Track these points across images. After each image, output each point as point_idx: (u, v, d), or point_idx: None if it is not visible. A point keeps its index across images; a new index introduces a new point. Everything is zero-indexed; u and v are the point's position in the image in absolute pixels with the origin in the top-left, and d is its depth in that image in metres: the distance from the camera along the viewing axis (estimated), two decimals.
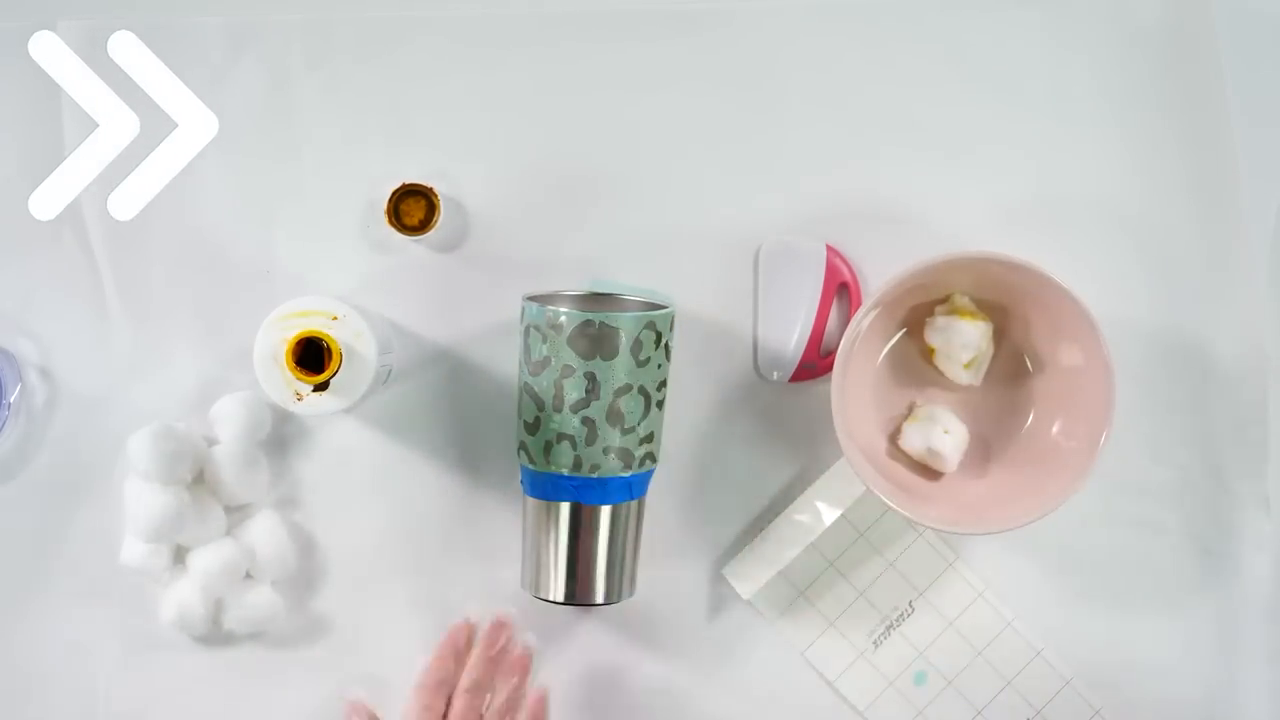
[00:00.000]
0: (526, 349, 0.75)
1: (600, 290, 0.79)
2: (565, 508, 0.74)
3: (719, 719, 0.82)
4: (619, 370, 0.73)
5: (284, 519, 0.80)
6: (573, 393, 0.72)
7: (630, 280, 0.81)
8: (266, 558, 0.79)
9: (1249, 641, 0.83)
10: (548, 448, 0.73)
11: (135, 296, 0.82)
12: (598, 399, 0.72)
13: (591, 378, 0.72)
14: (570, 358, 0.72)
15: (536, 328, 0.74)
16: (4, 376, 0.80)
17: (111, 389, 0.81)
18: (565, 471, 0.73)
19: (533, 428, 0.74)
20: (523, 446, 0.75)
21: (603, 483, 0.74)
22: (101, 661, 0.81)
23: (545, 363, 0.73)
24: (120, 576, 0.80)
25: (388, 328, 0.79)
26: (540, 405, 0.73)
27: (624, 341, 0.73)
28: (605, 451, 0.73)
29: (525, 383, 0.75)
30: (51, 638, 0.81)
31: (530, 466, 0.75)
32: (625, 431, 0.74)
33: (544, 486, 0.75)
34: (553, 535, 0.75)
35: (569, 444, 0.73)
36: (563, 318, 0.72)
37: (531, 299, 0.75)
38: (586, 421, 0.73)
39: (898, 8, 0.83)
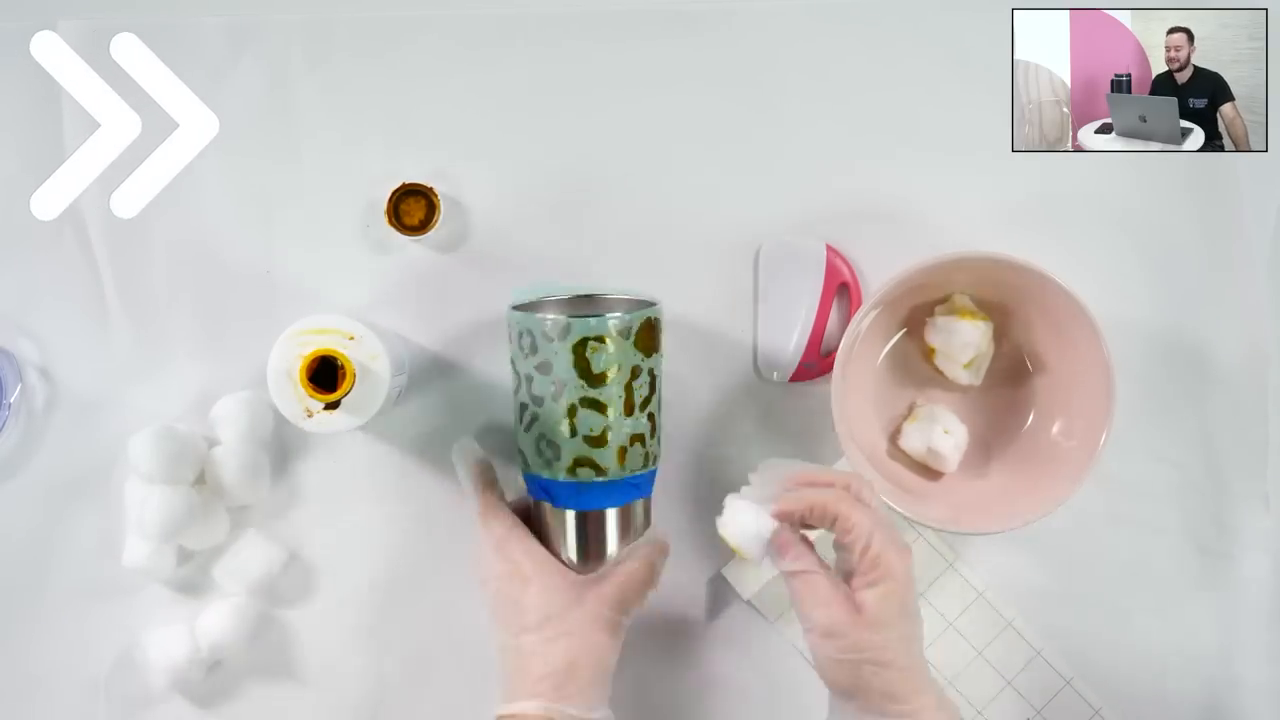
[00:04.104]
0: (548, 365, 0.71)
1: (584, 292, 0.79)
2: (573, 515, 0.73)
3: (719, 719, 0.83)
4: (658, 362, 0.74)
5: (243, 605, 0.80)
6: (641, 391, 0.72)
7: (631, 281, 0.81)
8: (220, 642, 0.79)
9: (1249, 641, 0.83)
10: (609, 456, 0.72)
11: (135, 296, 0.82)
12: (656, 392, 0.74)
13: (651, 374, 0.73)
14: (633, 358, 0.71)
15: (589, 339, 0.70)
16: (4, 376, 0.80)
17: (112, 389, 0.81)
18: (590, 478, 0.72)
19: (595, 440, 0.72)
20: (576, 465, 0.72)
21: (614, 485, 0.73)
22: (101, 661, 0.81)
23: (604, 374, 0.71)
24: (120, 577, 0.80)
25: (401, 347, 0.80)
26: (603, 410, 0.71)
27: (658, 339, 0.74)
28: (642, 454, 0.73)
29: (572, 403, 0.71)
30: (51, 638, 0.81)
31: (556, 478, 0.72)
32: (654, 430, 0.74)
33: (562, 494, 0.73)
34: (566, 542, 0.73)
35: (639, 444, 0.73)
36: (611, 323, 0.70)
37: (547, 316, 0.71)
38: (651, 417, 0.73)
39: (898, 8, 0.83)
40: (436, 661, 0.82)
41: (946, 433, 0.79)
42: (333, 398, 0.71)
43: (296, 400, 0.72)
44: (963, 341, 0.78)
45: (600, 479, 0.72)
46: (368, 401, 0.73)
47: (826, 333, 0.82)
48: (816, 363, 0.82)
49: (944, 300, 0.80)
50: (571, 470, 0.72)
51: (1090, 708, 0.82)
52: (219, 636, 0.79)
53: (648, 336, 0.72)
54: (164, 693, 0.80)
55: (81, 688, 0.81)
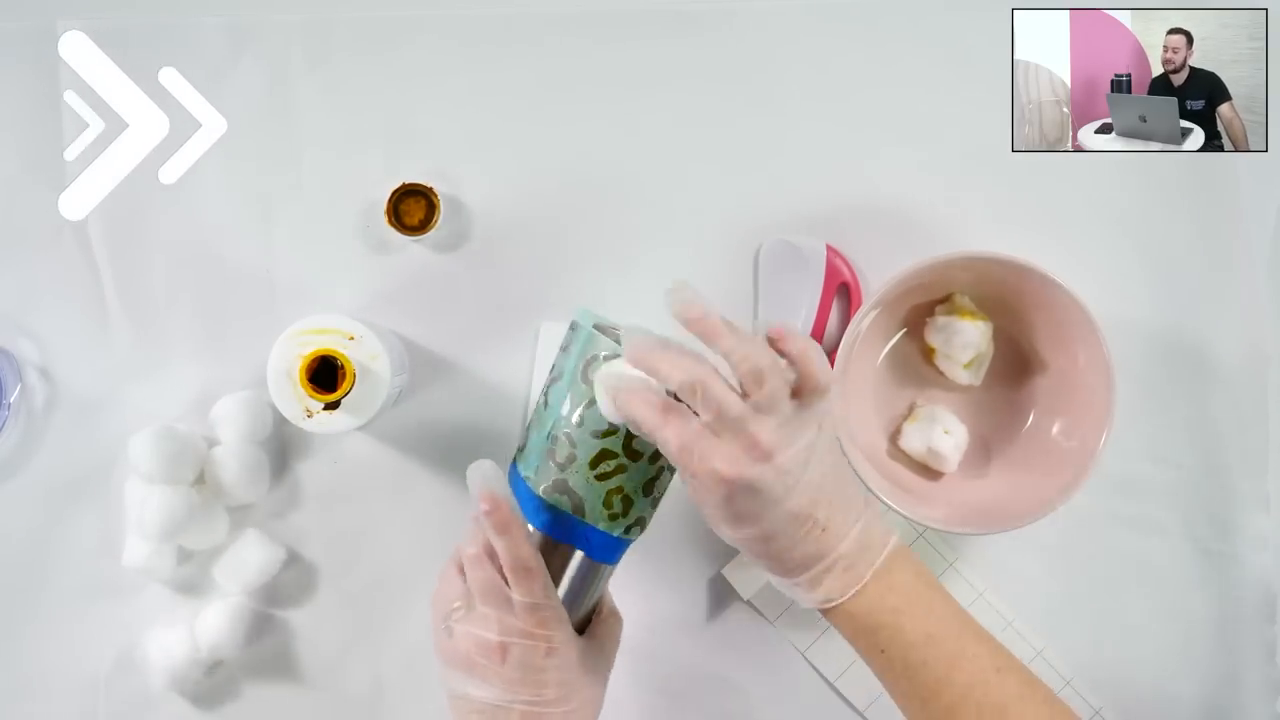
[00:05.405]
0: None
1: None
2: (609, 570, 0.70)
3: (719, 719, 0.82)
4: None
5: (243, 605, 0.80)
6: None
7: (631, 281, 0.82)
8: (220, 642, 0.79)
9: (1249, 641, 0.83)
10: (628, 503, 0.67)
11: (135, 296, 0.82)
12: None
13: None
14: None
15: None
16: (4, 376, 0.80)
17: (111, 389, 0.81)
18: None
19: (658, 501, 0.68)
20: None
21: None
22: (101, 661, 0.81)
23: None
24: (120, 577, 0.80)
25: (401, 347, 0.80)
26: (673, 472, 0.67)
27: None
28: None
29: (664, 464, 0.67)
30: (51, 638, 0.81)
31: (613, 533, 0.67)
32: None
33: (608, 548, 0.68)
34: (587, 595, 0.70)
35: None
36: None
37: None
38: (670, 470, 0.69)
39: (898, 8, 0.83)
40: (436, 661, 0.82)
41: (946, 433, 0.79)
42: (333, 398, 0.71)
43: (296, 400, 0.72)
44: (963, 341, 0.78)
45: (638, 536, 0.69)
46: (368, 401, 0.73)
47: (826, 333, 0.82)
48: None
49: (944, 300, 0.80)
50: (628, 529, 0.68)
51: (1090, 708, 0.82)
52: (219, 636, 0.79)
53: None
54: (164, 693, 0.80)
55: (81, 688, 0.81)
